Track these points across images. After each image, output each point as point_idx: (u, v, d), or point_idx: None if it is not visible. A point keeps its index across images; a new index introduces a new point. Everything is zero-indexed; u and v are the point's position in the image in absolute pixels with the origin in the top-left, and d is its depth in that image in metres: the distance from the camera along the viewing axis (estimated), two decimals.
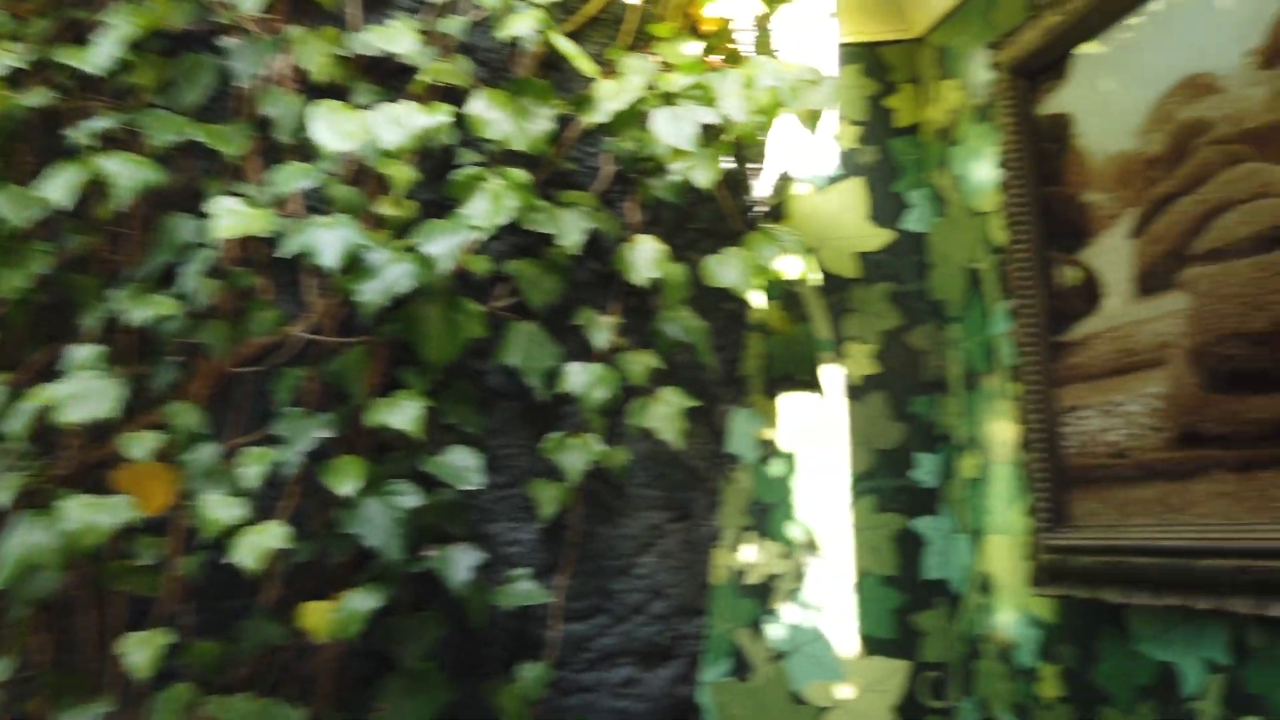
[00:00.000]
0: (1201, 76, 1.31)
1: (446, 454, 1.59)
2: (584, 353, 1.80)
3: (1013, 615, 1.74)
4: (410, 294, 1.58)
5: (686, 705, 1.87)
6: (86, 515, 1.37)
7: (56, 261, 1.55)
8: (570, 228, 1.69)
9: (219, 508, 1.41)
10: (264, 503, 1.57)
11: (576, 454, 1.68)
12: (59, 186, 1.45)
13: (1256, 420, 1.19)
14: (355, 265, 1.50)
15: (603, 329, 1.78)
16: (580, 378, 1.71)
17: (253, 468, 1.44)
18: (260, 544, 1.38)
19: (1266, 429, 1.18)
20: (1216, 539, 1.21)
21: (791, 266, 1.81)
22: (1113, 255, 1.46)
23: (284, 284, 1.64)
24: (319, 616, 1.43)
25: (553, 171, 1.80)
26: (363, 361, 1.57)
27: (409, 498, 1.49)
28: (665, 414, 1.75)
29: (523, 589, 1.62)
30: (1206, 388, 1.27)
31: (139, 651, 1.40)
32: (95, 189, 1.51)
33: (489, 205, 1.58)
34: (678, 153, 1.80)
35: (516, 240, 1.79)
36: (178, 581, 1.54)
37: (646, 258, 1.77)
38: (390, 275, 1.49)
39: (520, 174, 1.61)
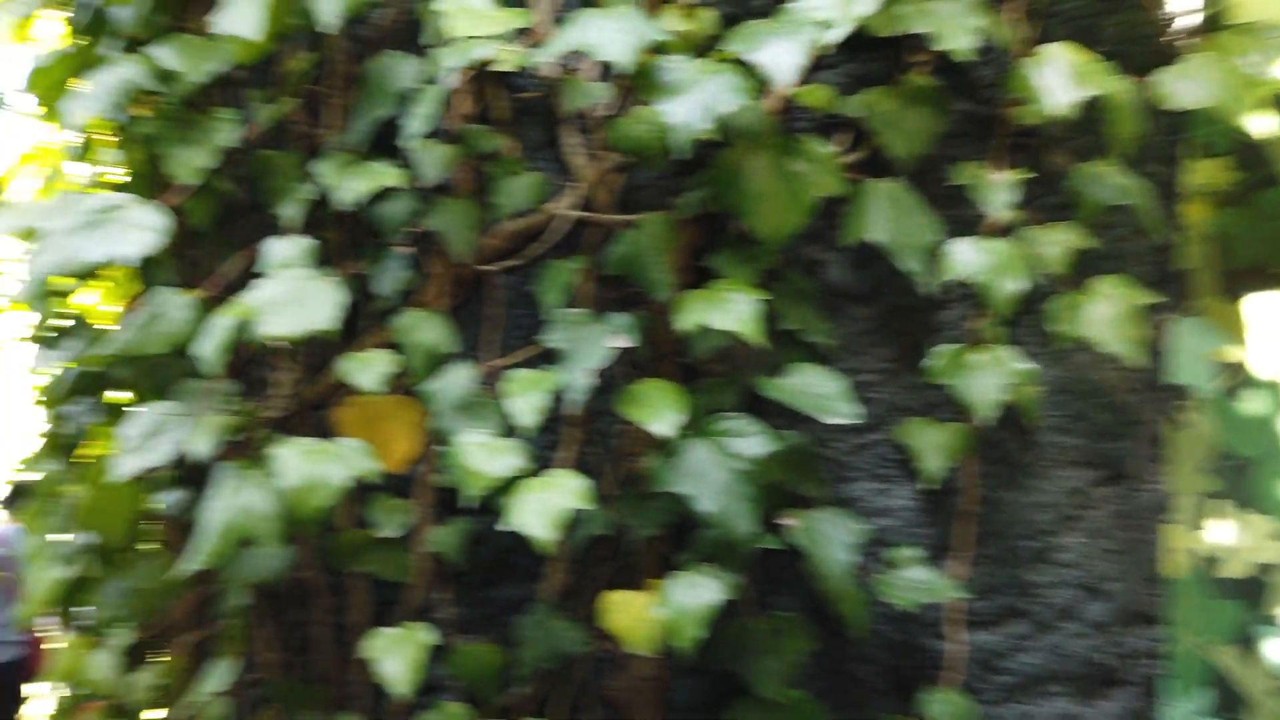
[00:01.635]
0: None
1: (792, 375, 1.09)
2: (964, 229, 1.26)
3: None
4: (726, 136, 1.10)
5: None
6: (309, 467, 0.98)
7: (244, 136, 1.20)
8: (953, 26, 1.15)
9: (483, 455, 0.99)
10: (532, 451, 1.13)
11: (988, 375, 1.14)
12: (243, 15, 1.07)
13: None
14: (648, 79, 1.03)
15: (1001, 189, 1.23)
16: (974, 258, 1.17)
17: (525, 397, 1.01)
18: (551, 505, 0.94)
19: None
20: None
21: None
22: None
23: (536, 145, 1.20)
24: (630, 615, 0.98)
25: None
26: (663, 239, 1.10)
27: (752, 440, 1.00)
28: (1109, 316, 1.18)
29: (918, 579, 1.10)
30: None
31: (393, 658, 1.03)
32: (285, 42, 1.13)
33: None
34: None
35: (854, 66, 1.27)
36: (430, 561, 1.14)
37: (1062, 74, 1.20)
38: (704, 92, 1.01)
39: None
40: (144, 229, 1.06)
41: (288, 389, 1.22)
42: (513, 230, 1.15)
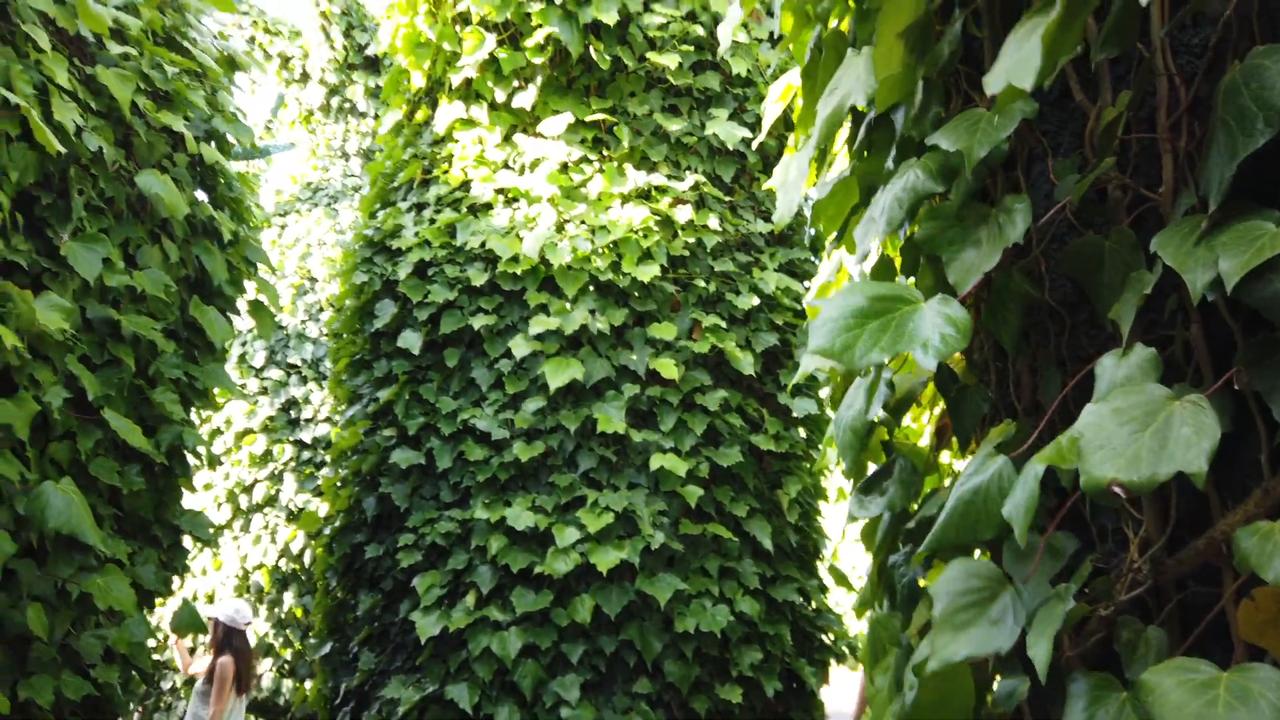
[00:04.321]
0: None
1: None
2: None
3: None
4: None
5: None
6: (1206, 713, 0.64)
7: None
8: None
9: None
10: None
11: None
12: (1016, 62, 0.81)
13: None
14: None
15: None
16: None
17: None
18: None
19: None
20: None
21: None
22: None
23: None
24: None
25: None
26: None
27: None
28: None
29: None
30: None
31: None
32: None
33: None
34: None
35: None
36: None
37: None
38: None
39: None
40: (935, 326, 0.85)
41: (1144, 553, 0.88)
42: None
